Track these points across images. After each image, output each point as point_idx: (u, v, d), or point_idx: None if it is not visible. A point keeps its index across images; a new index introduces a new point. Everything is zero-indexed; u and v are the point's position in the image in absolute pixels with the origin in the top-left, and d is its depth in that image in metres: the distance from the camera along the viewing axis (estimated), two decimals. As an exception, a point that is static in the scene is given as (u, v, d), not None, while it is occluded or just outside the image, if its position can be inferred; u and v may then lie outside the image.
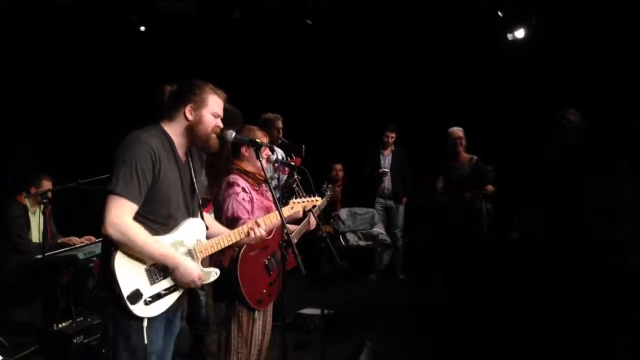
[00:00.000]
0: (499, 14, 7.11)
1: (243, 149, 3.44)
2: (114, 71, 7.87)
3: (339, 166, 8.32)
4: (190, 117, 2.69)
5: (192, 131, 2.70)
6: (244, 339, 3.35)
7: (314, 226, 3.59)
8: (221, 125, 2.76)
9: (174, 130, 2.70)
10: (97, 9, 7.18)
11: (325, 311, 4.92)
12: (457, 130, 6.44)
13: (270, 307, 3.55)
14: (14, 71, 6.82)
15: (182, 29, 7.97)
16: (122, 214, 2.47)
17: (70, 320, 4.50)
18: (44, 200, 5.18)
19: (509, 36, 7.20)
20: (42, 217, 5.51)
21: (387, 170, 7.68)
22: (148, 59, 8.11)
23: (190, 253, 2.72)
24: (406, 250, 7.97)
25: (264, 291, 3.38)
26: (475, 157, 6.40)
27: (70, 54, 7.37)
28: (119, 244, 2.48)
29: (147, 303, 2.55)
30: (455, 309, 5.91)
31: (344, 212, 7.95)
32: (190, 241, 2.73)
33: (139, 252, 2.52)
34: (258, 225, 2.98)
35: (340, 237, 7.89)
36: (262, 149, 3.16)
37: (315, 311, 5.52)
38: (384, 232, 7.82)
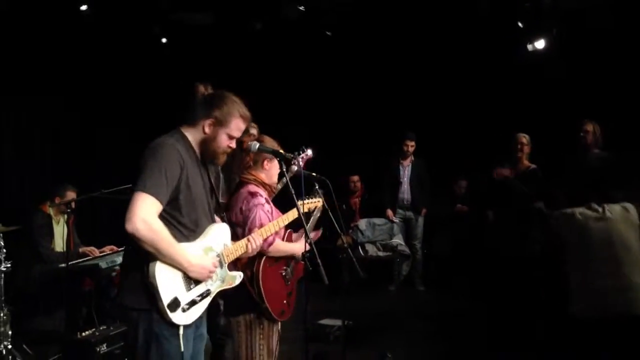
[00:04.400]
0: (519, 24, 7.09)
1: (265, 162, 3.46)
2: (137, 82, 7.98)
3: (356, 177, 8.33)
4: (207, 131, 2.73)
5: (204, 144, 2.75)
6: (268, 350, 3.37)
7: (316, 238, 3.57)
8: (234, 147, 2.80)
9: (192, 137, 2.75)
10: (118, 20, 7.30)
11: (345, 322, 4.91)
12: (521, 136, 6.11)
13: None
14: (37, 82, 6.94)
15: (202, 40, 8.06)
16: (152, 212, 2.48)
17: (93, 329, 4.55)
18: (68, 210, 5.27)
19: (529, 47, 7.17)
20: (65, 227, 5.59)
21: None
22: (170, 71, 8.21)
23: (219, 258, 2.77)
24: (425, 261, 7.94)
25: (285, 302, 3.41)
26: (534, 166, 6.08)
27: (95, 65, 7.47)
28: (143, 240, 2.45)
29: (184, 310, 2.58)
30: (476, 320, 5.87)
31: (362, 223, 7.94)
32: (219, 246, 2.79)
33: (160, 249, 2.48)
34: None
35: (359, 247, 7.88)
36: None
37: (335, 322, 5.52)
38: (403, 243, 7.80)
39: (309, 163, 4.57)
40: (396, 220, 7.82)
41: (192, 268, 2.59)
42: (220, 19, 7.67)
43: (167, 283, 2.53)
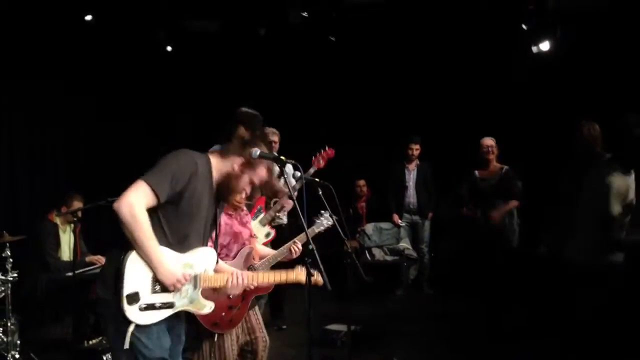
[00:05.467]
0: (524, 27, 7.07)
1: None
2: (144, 91, 8.01)
3: (362, 182, 8.33)
4: (235, 168, 2.77)
5: (226, 178, 2.77)
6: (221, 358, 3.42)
7: (297, 254, 3.58)
8: (249, 192, 2.85)
9: (217, 166, 2.78)
10: (123, 29, 7.34)
11: (352, 327, 4.90)
12: (488, 139, 6.33)
13: (240, 330, 3.58)
14: (42, 90, 6.98)
15: (208, 47, 8.09)
16: (141, 200, 2.53)
17: (100, 337, 4.57)
18: (74, 219, 5.30)
19: (534, 49, 7.15)
20: (72, 236, 5.61)
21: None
22: (175, 79, 8.25)
23: (195, 279, 2.78)
24: (432, 265, 7.91)
25: (223, 314, 3.36)
26: (506, 167, 6.28)
27: (100, 73, 7.51)
28: (122, 221, 2.52)
29: (141, 309, 2.61)
30: (483, 324, 5.85)
31: (369, 227, 7.93)
32: (199, 268, 2.80)
33: (136, 238, 2.53)
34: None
35: (366, 252, 7.88)
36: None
37: (342, 327, 5.51)
38: (410, 247, 7.79)
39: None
40: (403, 224, 7.81)
41: (162, 269, 2.62)
42: (225, 25, 7.70)
43: (135, 275, 2.58)
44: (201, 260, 2.81)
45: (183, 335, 2.94)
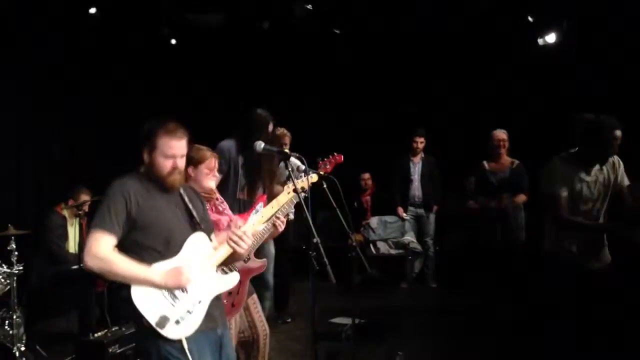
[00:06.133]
0: (530, 19, 7.03)
1: (189, 169, 3.40)
2: (148, 84, 8.01)
3: (367, 175, 8.32)
4: (147, 160, 2.80)
5: (150, 174, 2.80)
6: None
7: (282, 227, 3.56)
8: (180, 165, 2.80)
9: (145, 171, 2.83)
10: (128, 21, 7.34)
11: (357, 320, 4.90)
12: (500, 132, 6.26)
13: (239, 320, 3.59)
14: (48, 83, 7.00)
15: (212, 41, 8.08)
16: (98, 244, 2.63)
17: (106, 330, 4.58)
18: (80, 212, 5.31)
19: (540, 41, 7.11)
20: (78, 229, 5.63)
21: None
22: (179, 72, 8.24)
23: (201, 266, 2.78)
24: (437, 258, 7.91)
25: (225, 301, 3.34)
26: (517, 162, 6.21)
27: (107, 67, 7.52)
28: (100, 273, 2.65)
29: (177, 322, 2.63)
30: (489, 318, 5.84)
31: (374, 221, 7.93)
32: (198, 255, 2.80)
33: (122, 278, 2.62)
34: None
35: (371, 245, 7.87)
36: None
37: (347, 320, 5.51)
38: (415, 240, 7.78)
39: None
40: (407, 217, 7.80)
41: (164, 280, 2.65)
42: (229, 19, 7.69)
43: (148, 303, 2.61)
44: (194, 248, 2.80)
45: (232, 351, 2.97)
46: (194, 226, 2.86)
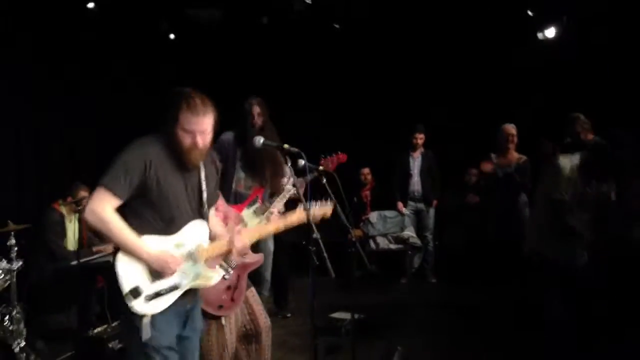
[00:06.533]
0: (529, 13, 7.02)
1: None
2: (147, 80, 8.00)
3: (367, 170, 8.32)
4: (169, 129, 2.73)
5: (170, 148, 2.74)
6: (218, 344, 3.46)
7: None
8: (201, 142, 2.73)
9: (169, 139, 2.75)
10: (126, 16, 7.32)
11: (356, 315, 4.91)
12: (510, 127, 6.22)
13: (239, 315, 3.58)
14: (47, 79, 6.99)
15: (210, 36, 8.06)
16: (102, 204, 2.61)
17: (106, 325, 4.59)
18: (78, 208, 5.31)
19: (540, 35, 7.10)
20: (77, 225, 5.63)
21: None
22: (178, 67, 8.23)
23: (190, 254, 2.79)
24: (437, 253, 7.91)
25: (224, 297, 3.39)
26: (524, 158, 6.18)
27: (106, 63, 7.51)
28: (94, 228, 2.67)
29: (147, 299, 2.64)
30: (488, 312, 5.85)
31: (374, 216, 7.93)
32: (192, 242, 2.80)
33: (114, 240, 2.64)
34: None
35: (371, 240, 7.87)
36: None
37: (347, 315, 5.52)
38: (414, 235, 7.78)
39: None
40: (407, 212, 7.80)
41: (151, 259, 2.66)
42: (228, 14, 7.67)
43: (129, 271, 2.64)
44: (192, 234, 2.80)
45: (199, 321, 2.95)
46: (200, 211, 2.85)
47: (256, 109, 4.87)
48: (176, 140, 2.71)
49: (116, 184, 2.62)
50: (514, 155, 6.18)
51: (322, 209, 3.40)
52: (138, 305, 2.62)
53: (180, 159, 2.75)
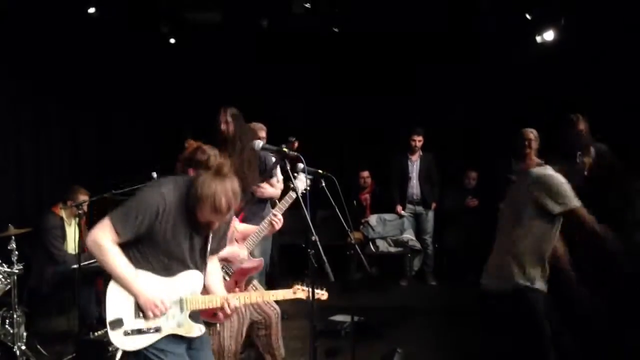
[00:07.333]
0: (527, 16, 7.03)
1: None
2: (149, 83, 8.01)
3: (366, 173, 8.33)
4: (190, 203, 2.69)
5: (189, 207, 2.71)
6: (220, 346, 3.49)
7: (279, 225, 3.57)
8: (214, 225, 2.74)
9: (188, 198, 2.71)
10: (127, 21, 7.34)
11: (356, 318, 4.92)
12: (528, 132, 6.11)
13: (240, 319, 3.61)
14: (45, 84, 7.00)
15: (210, 39, 8.08)
16: (104, 234, 2.64)
17: (106, 329, 4.58)
18: (79, 212, 5.32)
19: (538, 38, 7.12)
20: (77, 229, 5.63)
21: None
22: (180, 70, 8.24)
23: (180, 301, 2.79)
24: (437, 256, 7.92)
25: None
26: (543, 163, 6.06)
27: (107, 67, 7.52)
28: (93, 255, 2.70)
29: (126, 334, 2.67)
30: (488, 315, 5.84)
31: (373, 219, 7.94)
32: (184, 291, 2.81)
33: (109, 271, 2.66)
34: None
35: (370, 243, 7.88)
36: None
37: (346, 318, 5.52)
38: (414, 238, 7.80)
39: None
40: (406, 215, 7.81)
41: (141, 298, 2.68)
42: (227, 17, 7.68)
43: (116, 302, 2.67)
44: (185, 282, 2.81)
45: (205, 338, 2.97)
46: (200, 262, 2.86)
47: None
48: (195, 212, 2.69)
49: (124, 224, 2.64)
50: (534, 161, 6.03)
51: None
52: (115, 338, 2.67)
53: (194, 222, 2.74)
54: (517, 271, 3.45)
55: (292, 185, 3.28)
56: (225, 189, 2.61)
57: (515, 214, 3.53)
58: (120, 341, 2.66)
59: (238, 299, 2.98)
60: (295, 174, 3.43)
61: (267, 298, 3.33)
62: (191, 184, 2.68)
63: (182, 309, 2.79)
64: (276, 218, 3.56)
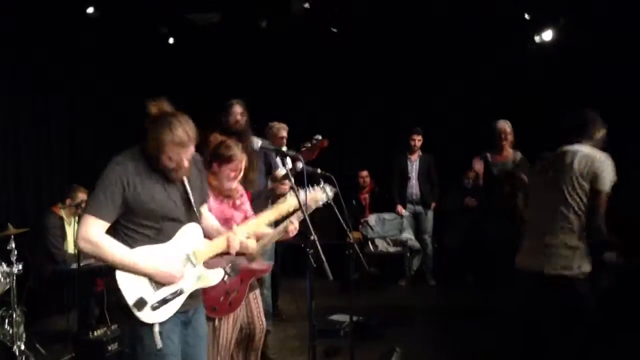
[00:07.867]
0: (526, 16, 7.04)
1: (215, 165, 3.43)
2: (147, 83, 8.01)
3: (365, 173, 8.34)
4: (151, 152, 2.73)
5: (153, 164, 2.74)
6: (216, 344, 3.44)
7: (294, 233, 3.51)
8: (186, 164, 2.73)
9: (150, 156, 2.75)
10: (125, 21, 7.34)
11: (355, 317, 4.92)
12: (502, 123, 6.13)
13: (238, 317, 3.57)
14: (46, 83, 7.01)
15: (210, 39, 8.08)
16: (91, 229, 2.62)
17: (105, 328, 4.60)
18: (79, 211, 5.33)
19: (537, 39, 7.12)
20: (77, 228, 5.63)
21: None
22: (178, 71, 8.24)
23: (188, 258, 2.80)
24: (436, 256, 7.93)
25: (221, 299, 3.38)
26: (520, 155, 6.11)
27: (106, 66, 7.53)
28: (92, 256, 2.69)
29: (154, 308, 2.65)
30: (487, 315, 5.86)
31: (372, 218, 7.95)
32: (187, 247, 2.80)
33: (111, 262, 2.63)
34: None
35: (369, 243, 7.90)
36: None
37: (345, 317, 5.53)
38: (413, 237, 7.81)
39: (319, 155, 4.55)
40: (406, 214, 7.82)
41: (156, 276, 2.68)
42: (226, 17, 7.69)
43: (130, 283, 2.64)
44: (186, 238, 2.80)
45: (203, 327, 2.96)
46: (190, 214, 2.83)
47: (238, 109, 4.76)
48: (160, 163, 2.72)
49: (100, 208, 2.63)
50: (510, 152, 6.09)
51: (312, 196, 3.39)
52: (145, 316, 2.63)
53: (163, 174, 2.75)
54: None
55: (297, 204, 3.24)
56: (176, 120, 2.71)
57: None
58: (153, 316, 2.64)
59: (243, 231, 3.01)
60: (321, 186, 3.44)
61: (271, 217, 3.26)
62: (142, 143, 2.75)
63: (193, 264, 2.80)
64: (292, 226, 3.54)
